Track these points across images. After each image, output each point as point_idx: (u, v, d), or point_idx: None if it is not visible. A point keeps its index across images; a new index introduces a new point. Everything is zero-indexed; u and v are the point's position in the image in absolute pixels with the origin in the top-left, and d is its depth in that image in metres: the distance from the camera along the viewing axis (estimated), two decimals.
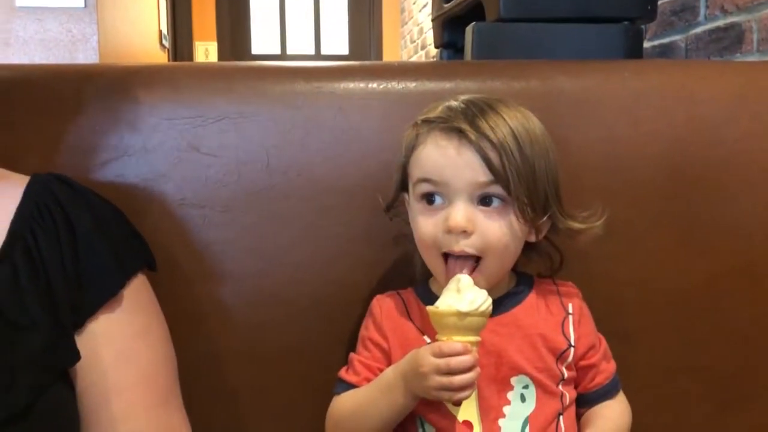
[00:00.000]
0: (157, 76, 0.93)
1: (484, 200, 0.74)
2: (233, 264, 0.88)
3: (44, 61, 2.04)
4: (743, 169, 0.97)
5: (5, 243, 0.70)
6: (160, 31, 3.30)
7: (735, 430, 0.95)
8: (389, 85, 0.93)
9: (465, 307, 0.68)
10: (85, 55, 2.04)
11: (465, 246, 0.73)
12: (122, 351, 0.73)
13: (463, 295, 0.69)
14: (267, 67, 0.97)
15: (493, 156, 0.72)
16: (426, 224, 0.76)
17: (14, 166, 0.77)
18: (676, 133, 0.96)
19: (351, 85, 0.93)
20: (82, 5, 2.02)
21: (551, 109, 0.87)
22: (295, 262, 0.89)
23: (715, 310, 0.95)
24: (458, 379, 0.68)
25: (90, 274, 0.72)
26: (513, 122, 0.74)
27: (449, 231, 0.73)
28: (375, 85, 0.92)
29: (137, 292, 0.76)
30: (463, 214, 0.73)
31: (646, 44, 1.54)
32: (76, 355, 0.70)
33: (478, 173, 0.73)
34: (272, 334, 0.89)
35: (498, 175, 0.72)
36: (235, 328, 0.88)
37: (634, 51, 1.28)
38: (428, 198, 0.76)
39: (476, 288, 0.71)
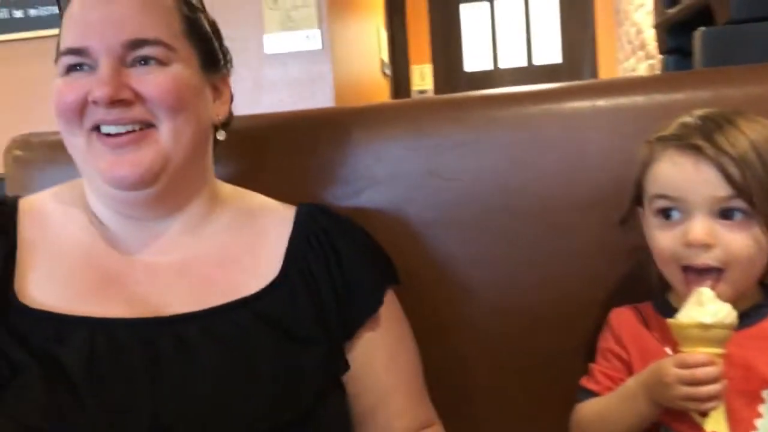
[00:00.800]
0: (400, 112, 1.03)
1: (725, 214, 0.74)
2: (473, 279, 0.95)
3: (288, 100, 2.29)
4: None
5: (284, 265, 0.81)
6: (382, 60, 3.52)
7: None
8: (617, 102, 0.95)
9: (708, 319, 0.69)
10: (323, 92, 2.26)
11: (707, 259, 0.74)
12: (390, 356, 0.83)
13: (705, 308, 0.70)
14: (496, 94, 1.03)
15: (733, 171, 0.72)
16: (664, 238, 0.77)
17: (285, 199, 0.90)
18: None
19: (578, 104, 0.96)
20: (320, 47, 2.25)
21: None
22: (532, 277, 0.94)
23: None
24: (704, 390, 0.69)
25: (356, 293, 0.81)
26: (753, 135, 0.73)
27: (689, 245, 0.74)
28: (603, 102, 0.95)
29: (391, 304, 0.85)
30: (703, 228, 0.73)
31: None
32: (347, 365, 0.80)
33: (718, 188, 0.73)
34: (508, 344, 0.95)
35: (740, 189, 0.72)
36: (477, 337, 0.95)
37: None
38: (665, 213, 0.77)
39: (719, 300, 0.71)
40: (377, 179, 0.99)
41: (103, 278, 0.77)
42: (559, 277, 0.93)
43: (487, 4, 5.24)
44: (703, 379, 0.69)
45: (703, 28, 1.20)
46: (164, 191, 0.78)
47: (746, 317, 0.76)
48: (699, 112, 0.79)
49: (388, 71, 3.74)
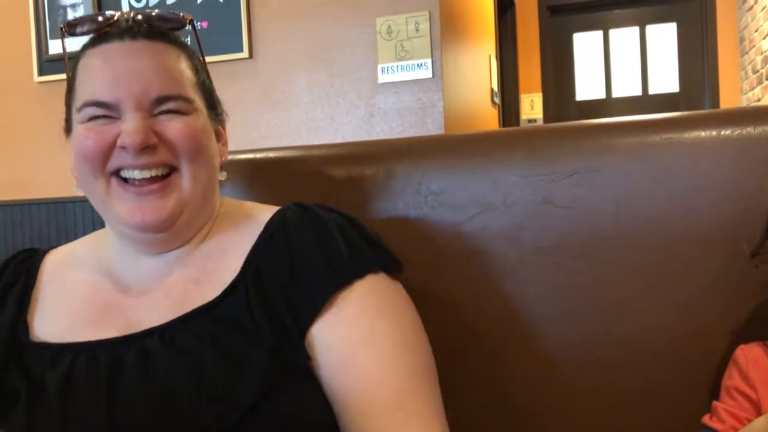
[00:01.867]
0: (514, 138, 1.04)
1: None
2: (586, 307, 0.93)
3: (399, 128, 2.34)
4: None
5: (243, 267, 0.82)
6: (492, 89, 3.53)
7: None
8: (744, 131, 0.92)
9: None
10: (432, 120, 2.29)
11: None
12: (340, 360, 0.76)
13: None
14: (615, 122, 1.02)
15: None
16: None
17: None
18: None
19: (702, 133, 0.93)
20: (431, 75, 2.28)
21: None
22: (648, 309, 0.91)
23: None
24: None
25: (303, 287, 0.78)
26: None
27: None
28: (728, 132, 0.92)
29: (361, 297, 0.78)
30: None
31: None
32: (303, 356, 0.76)
33: None
34: (624, 376, 0.92)
35: None
36: (585, 367, 0.93)
37: None
38: None
39: None
40: (492, 206, 0.99)
41: (103, 310, 0.83)
42: (677, 310, 0.90)
43: (601, 33, 5.15)
44: None
45: None
46: (178, 230, 0.84)
47: None
48: None
49: (497, 100, 3.74)
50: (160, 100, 0.80)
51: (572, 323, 0.95)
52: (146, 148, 0.79)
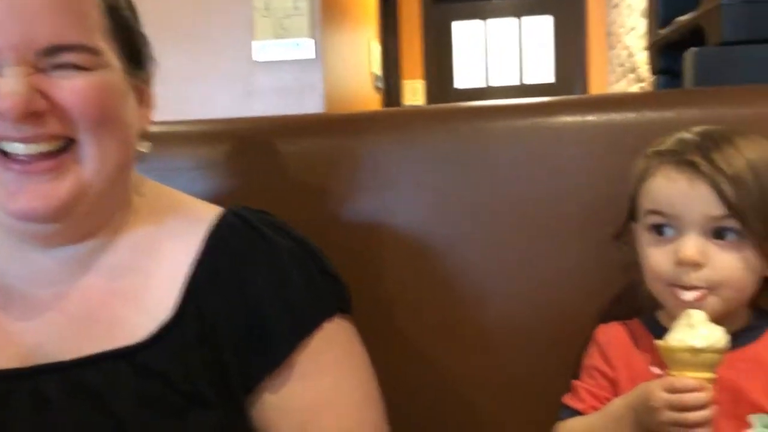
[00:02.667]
0: (384, 121, 1.02)
1: (718, 233, 0.73)
2: (451, 291, 0.93)
3: (277, 108, 2.28)
4: None
5: (182, 302, 0.65)
6: (374, 74, 3.52)
7: None
8: (609, 117, 0.94)
9: (699, 344, 0.67)
10: (313, 101, 2.25)
11: (696, 280, 0.72)
12: (299, 425, 0.66)
13: (696, 331, 0.68)
14: (485, 107, 1.02)
15: (727, 189, 0.71)
16: (656, 255, 0.75)
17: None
18: None
19: (569, 118, 0.95)
20: (312, 56, 2.24)
21: None
22: (516, 292, 0.92)
23: None
24: (692, 416, 0.66)
25: (259, 337, 0.65)
26: (751, 154, 0.72)
27: (680, 263, 0.73)
28: (594, 117, 0.94)
29: (322, 350, 0.67)
30: (695, 247, 0.72)
31: None
32: (248, 422, 0.64)
33: (712, 207, 0.71)
34: (489, 358, 0.92)
35: (734, 209, 0.71)
36: (457, 352, 0.93)
37: None
38: (658, 229, 0.76)
39: (711, 323, 0.69)
40: (363, 188, 0.97)
41: None
42: (548, 292, 0.91)
43: (481, 22, 5.26)
44: (692, 405, 0.66)
45: (694, 49, 1.20)
46: (75, 223, 0.65)
47: (736, 339, 0.74)
48: (698, 128, 0.78)
49: (380, 85, 3.73)
50: (52, 51, 0.60)
51: (435, 307, 0.94)
52: (31, 116, 0.59)
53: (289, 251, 0.70)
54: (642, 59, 3.34)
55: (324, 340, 0.68)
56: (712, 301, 0.73)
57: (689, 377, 0.67)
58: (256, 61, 2.29)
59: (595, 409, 0.78)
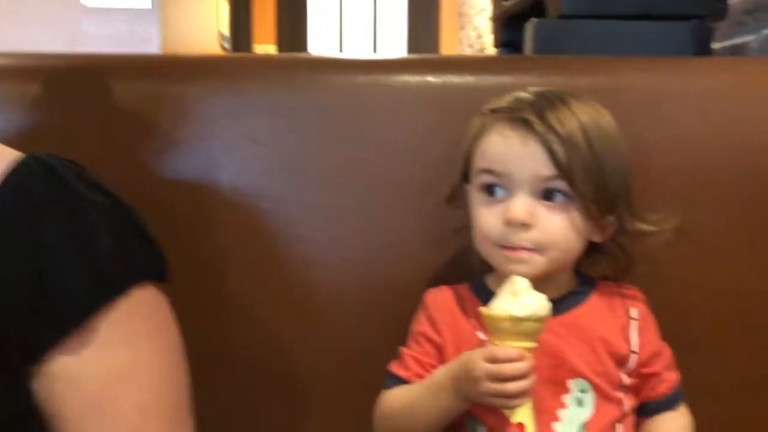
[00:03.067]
0: (214, 67, 0.93)
1: (547, 194, 0.71)
2: (284, 253, 0.87)
3: None
4: None
5: None
6: (221, 33, 3.35)
7: None
8: (447, 79, 0.91)
9: (520, 313, 0.65)
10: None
11: (523, 240, 0.71)
12: (92, 398, 0.59)
13: (519, 299, 0.66)
14: (324, 59, 0.97)
15: (558, 149, 0.70)
16: (486, 216, 0.73)
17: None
18: (750, 136, 0.91)
19: (409, 78, 0.91)
20: (149, 6, 2.06)
21: (618, 107, 0.83)
22: (347, 254, 0.88)
23: None
24: (512, 387, 0.65)
25: (52, 297, 0.57)
26: (584, 117, 0.71)
27: (508, 223, 0.71)
28: (432, 78, 0.91)
29: (126, 318, 0.60)
30: (524, 207, 0.71)
31: (716, 45, 1.48)
32: (19, 406, 0.57)
33: (542, 166, 0.70)
34: (319, 324, 0.88)
35: (563, 170, 0.70)
36: (284, 316, 0.88)
37: (702, 51, 1.22)
38: (489, 189, 0.74)
39: (533, 291, 0.68)
40: (183, 140, 0.88)
41: None
42: (376, 255, 0.88)
43: None
44: (512, 376, 0.65)
45: (533, 20, 1.21)
46: None
47: (559, 304, 0.74)
48: (535, 88, 0.76)
49: (227, 45, 3.57)
50: None
51: (271, 269, 0.88)
52: None
53: (99, 208, 0.62)
54: (490, 41, 3.42)
55: (129, 307, 0.60)
56: (538, 261, 0.72)
57: (510, 346, 0.65)
58: (85, 6, 2.09)
59: (420, 377, 0.75)
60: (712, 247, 0.89)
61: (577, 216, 0.71)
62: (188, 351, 0.66)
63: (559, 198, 0.71)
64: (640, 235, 0.76)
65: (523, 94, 0.75)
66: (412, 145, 0.89)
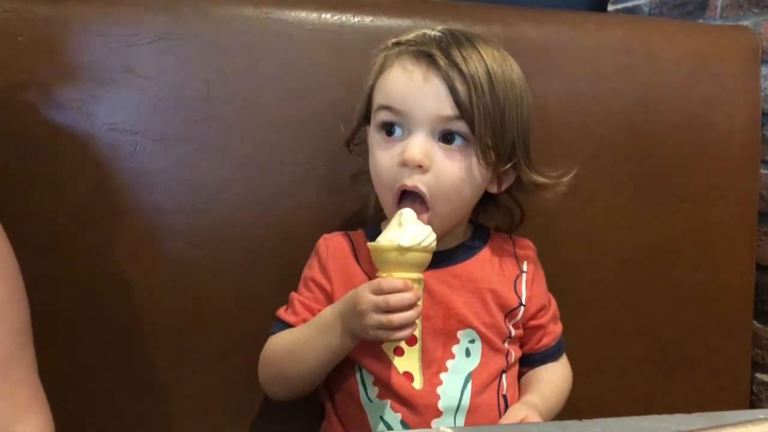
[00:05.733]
0: None
1: (446, 137, 0.69)
2: (165, 197, 0.82)
3: None
4: (701, 133, 0.95)
5: None
6: None
7: (676, 393, 0.95)
8: (344, 18, 0.87)
9: (406, 242, 0.64)
10: None
11: (418, 182, 0.68)
12: None
13: (404, 229, 0.65)
14: None
15: (461, 89, 0.67)
16: (383, 157, 0.71)
17: None
18: (638, 91, 0.93)
19: (303, 14, 0.86)
20: None
21: (513, 58, 0.83)
22: (234, 199, 0.83)
23: (664, 274, 0.94)
24: (397, 318, 0.63)
25: None
26: (489, 60, 0.69)
27: (404, 164, 0.68)
28: (329, 15, 0.86)
29: None
30: (421, 148, 0.68)
31: (610, 8, 1.51)
32: None
33: (444, 105, 0.68)
34: (206, 272, 0.83)
35: (464, 111, 0.67)
36: (165, 264, 0.82)
37: (597, 8, 1.24)
38: (388, 129, 0.71)
39: (419, 222, 0.66)
40: (55, 68, 0.80)
41: None
42: (265, 201, 0.83)
43: None
44: (398, 306, 0.63)
45: None
46: None
47: (453, 255, 0.74)
48: (443, 27, 0.73)
49: None
50: None
51: (151, 214, 0.82)
52: None
53: None
54: None
55: None
56: (431, 218, 0.69)
57: (396, 277, 0.64)
58: None
59: (306, 321, 0.73)
60: (595, 201, 0.91)
61: (474, 161, 0.69)
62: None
63: (458, 141, 0.69)
64: (535, 188, 0.75)
65: (430, 31, 0.72)
66: (306, 86, 0.84)
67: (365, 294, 0.64)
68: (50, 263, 0.79)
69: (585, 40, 0.94)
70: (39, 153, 0.80)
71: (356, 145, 0.78)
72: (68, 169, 0.80)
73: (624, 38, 0.95)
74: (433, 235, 0.65)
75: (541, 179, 0.74)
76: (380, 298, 0.63)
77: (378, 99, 0.71)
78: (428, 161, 0.68)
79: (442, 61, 0.67)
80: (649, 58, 0.94)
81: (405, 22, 0.88)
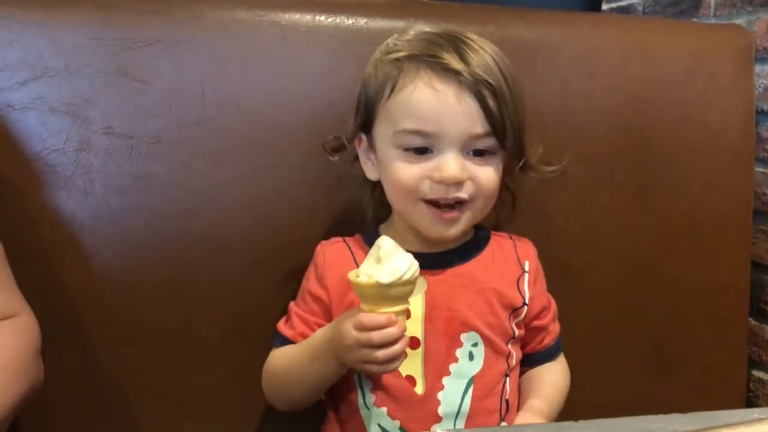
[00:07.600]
0: None
1: (476, 150, 0.70)
2: (160, 200, 0.81)
3: None
4: (695, 132, 0.95)
5: None
6: None
7: (673, 392, 0.95)
8: (338, 20, 0.87)
9: (386, 279, 0.61)
10: None
11: (458, 193, 0.69)
12: None
13: (384, 265, 0.62)
14: None
15: (492, 104, 0.68)
16: (409, 171, 0.69)
17: None
18: (632, 90, 0.93)
19: (297, 16, 0.86)
20: None
21: (508, 58, 0.83)
22: (228, 202, 0.83)
23: (660, 272, 0.94)
24: (382, 354, 0.62)
25: None
26: (499, 61, 0.70)
27: (444, 182, 0.68)
28: (323, 18, 0.86)
29: None
30: (459, 166, 0.68)
31: (604, 6, 1.51)
32: None
33: (475, 123, 0.68)
34: (199, 276, 0.83)
35: (496, 128, 0.68)
36: (160, 267, 0.82)
37: (591, 8, 1.24)
38: (416, 150, 0.69)
39: (400, 253, 0.63)
40: (50, 71, 0.79)
41: None
42: (260, 204, 0.83)
43: None
44: (382, 342, 0.62)
45: None
46: None
47: (456, 256, 0.74)
48: (429, 29, 0.73)
49: None
50: None
51: (146, 217, 0.82)
52: None
53: None
54: None
55: None
56: (465, 219, 0.71)
57: (379, 312, 0.62)
58: None
59: (305, 336, 0.72)
60: (589, 199, 0.91)
61: (500, 166, 0.72)
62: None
63: (486, 152, 0.70)
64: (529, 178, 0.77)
65: (431, 35, 0.71)
66: (301, 88, 0.84)
67: (348, 329, 0.63)
68: (47, 268, 0.80)
69: (579, 39, 0.94)
70: (33, 158, 0.80)
71: (342, 151, 0.77)
72: (63, 173, 0.80)
73: (618, 37, 0.95)
74: (416, 264, 0.63)
75: (545, 169, 0.77)
76: (363, 336, 0.62)
77: (403, 122, 0.69)
78: (466, 174, 0.69)
79: (470, 77, 0.67)
80: (643, 57, 0.94)
81: (399, 24, 0.88)
